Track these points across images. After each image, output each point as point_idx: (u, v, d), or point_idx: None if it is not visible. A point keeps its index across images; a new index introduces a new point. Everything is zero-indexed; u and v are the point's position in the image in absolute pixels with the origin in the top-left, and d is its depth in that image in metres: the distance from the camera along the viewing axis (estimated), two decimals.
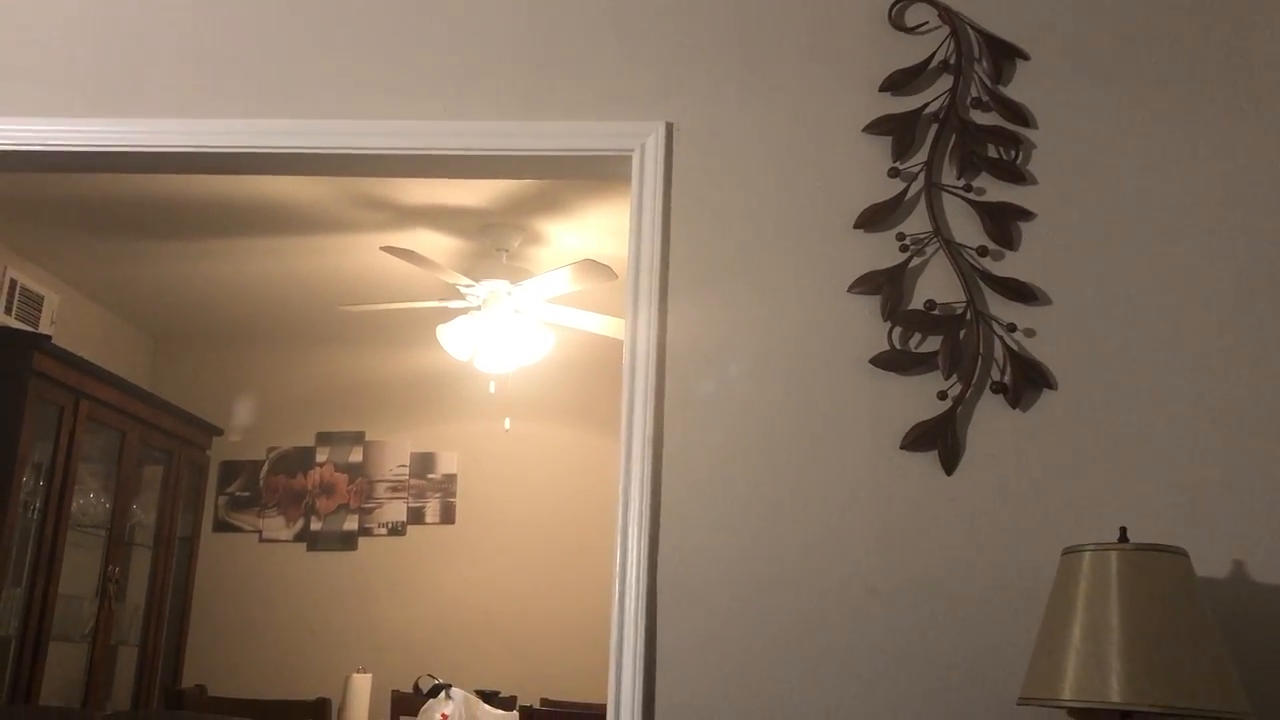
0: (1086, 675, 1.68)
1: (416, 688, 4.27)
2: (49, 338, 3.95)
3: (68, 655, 4.11)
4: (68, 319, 4.65)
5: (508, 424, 4.94)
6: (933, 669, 2.02)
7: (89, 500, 4.21)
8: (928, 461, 2.11)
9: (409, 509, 5.35)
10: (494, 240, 4.15)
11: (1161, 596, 1.71)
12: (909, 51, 2.30)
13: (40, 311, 4.45)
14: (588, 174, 2.50)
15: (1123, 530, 1.82)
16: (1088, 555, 1.77)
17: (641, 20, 2.38)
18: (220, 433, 5.23)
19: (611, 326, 4.27)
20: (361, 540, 5.32)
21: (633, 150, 2.30)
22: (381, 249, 3.93)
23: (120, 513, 4.34)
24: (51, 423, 3.89)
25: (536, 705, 3.97)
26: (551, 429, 5.35)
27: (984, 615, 2.04)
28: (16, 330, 4.16)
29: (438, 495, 5.35)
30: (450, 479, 5.37)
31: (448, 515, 5.33)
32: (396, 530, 5.33)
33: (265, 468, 5.41)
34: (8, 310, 4.25)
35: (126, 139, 2.38)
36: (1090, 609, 1.72)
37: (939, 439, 2.10)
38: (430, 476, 5.38)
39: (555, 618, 5.11)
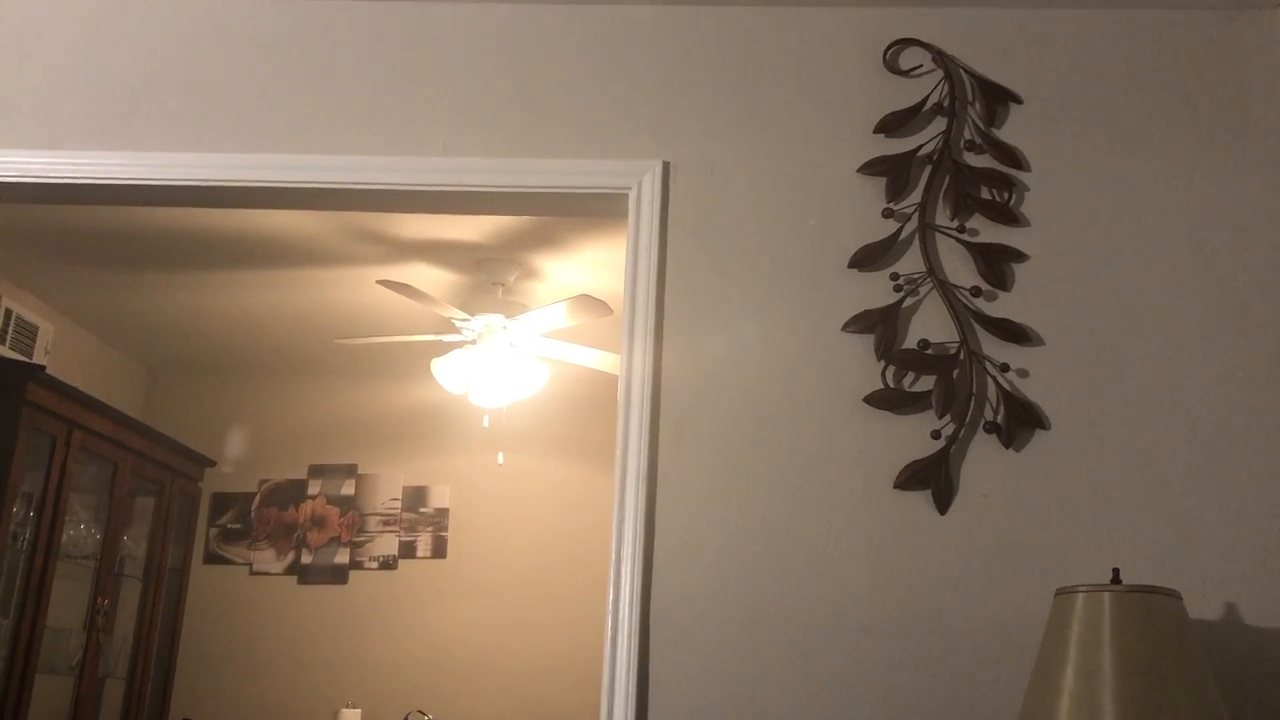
0: (1079, 718, 1.68)
1: None
2: (43, 368, 3.94)
3: (54, 688, 4.07)
4: (62, 349, 4.64)
5: (501, 458, 4.93)
6: (925, 709, 2.02)
7: (79, 531, 4.18)
8: (921, 501, 2.11)
9: (401, 543, 5.33)
10: (490, 275, 4.17)
11: (1155, 638, 1.71)
12: (903, 94, 2.32)
13: (35, 341, 4.44)
14: (585, 211, 2.52)
15: (1115, 571, 1.83)
16: (1081, 596, 1.77)
17: (639, 60, 2.40)
18: (213, 464, 5.21)
19: (606, 362, 4.27)
20: (353, 574, 5.29)
21: (630, 188, 2.32)
22: (378, 283, 3.94)
23: (111, 544, 4.31)
24: (44, 453, 3.88)
25: None
26: (545, 464, 5.34)
27: (977, 655, 2.03)
28: (11, 360, 4.16)
29: (430, 529, 5.33)
30: (443, 513, 5.35)
31: (439, 550, 5.31)
32: (388, 564, 5.30)
33: (257, 500, 5.39)
34: (2, 340, 4.25)
35: (126, 172, 2.40)
36: (1083, 651, 1.72)
37: (933, 478, 2.11)
38: (422, 510, 5.36)
39: (547, 654, 5.08)
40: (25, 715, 3.78)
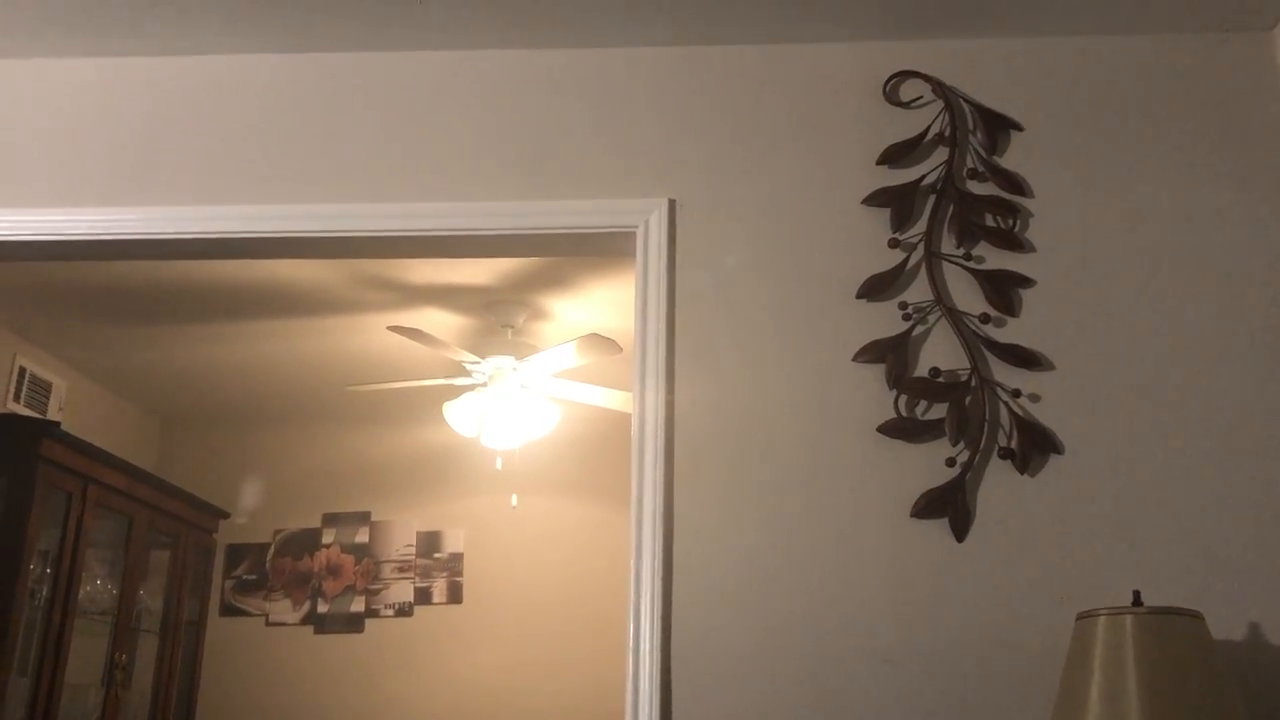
0: None
1: None
2: (58, 424, 3.96)
3: None
4: (75, 404, 4.67)
5: (514, 500, 4.93)
6: None
7: (96, 586, 4.18)
8: (938, 529, 2.11)
9: (416, 589, 5.31)
10: (499, 317, 4.19)
11: (1178, 660, 1.71)
12: (905, 125, 2.35)
13: (48, 398, 4.47)
14: (592, 251, 2.54)
15: (1136, 594, 1.82)
16: (1102, 620, 1.77)
17: (642, 100, 2.43)
18: (227, 516, 5.21)
19: (617, 400, 4.28)
20: (369, 622, 5.28)
21: (636, 226, 2.34)
22: (388, 328, 3.96)
23: (127, 598, 4.31)
24: (60, 509, 3.89)
25: None
26: (559, 504, 5.33)
27: (999, 682, 2.02)
28: (25, 417, 4.18)
29: (444, 575, 5.32)
30: (457, 558, 5.34)
31: (455, 595, 5.30)
32: (404, 611, 5.29)
33: (272, 550, 5.39)
34: (16, 398, 4.28)
35: (138, 227, 2.43)
36: (1107, 674, 1.72)
37: (949, 506, 2.11)
38: (437, 556, 5.35)
39: (566, 696, 5.05)
40: None
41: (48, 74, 2.53)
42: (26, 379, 4.35)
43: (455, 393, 4.29)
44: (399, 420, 5.36)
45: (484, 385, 4.21)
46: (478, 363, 4.14)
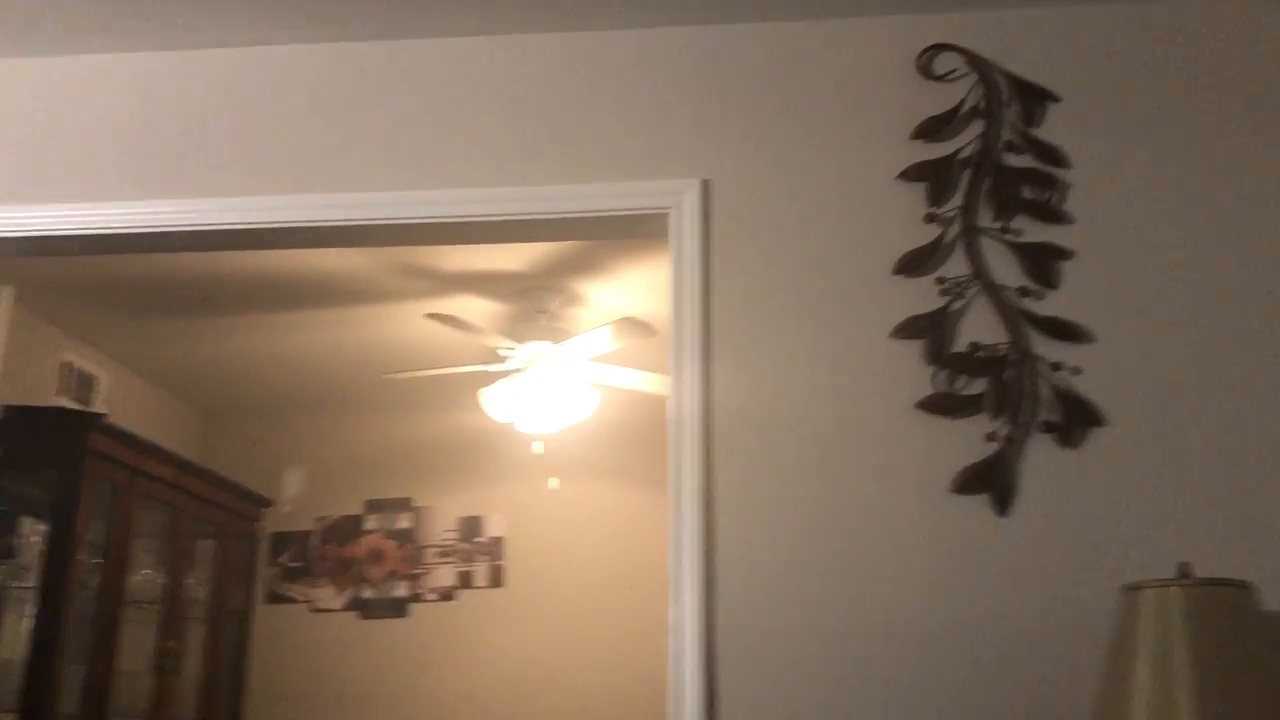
0: (1156, 714, 1.65)
1: None
2: (104, 416, 4.02)
3: None
4: (119, 397, 4.73)
5: (554, 484, 4.95)
6: (994, 714, 2.00)
7: (144, 576, 4.25)
8: (980, 504, 2.10)
9: (458, 574, 5.35)
10: (534, 303, 4.20)
11: (1228, 631, 1.69)
12: (939, 99, 2.32)
13: (94, 391, 4.53)
14: (626, 234, 2.54)
15: (1183, 565, 1.80)
16: (1149, 592, 1.75)
17: (674, 81, 2.42)
18: (270, 504, 5.27)
19: (653, 383, 4.29)
20: (412, 607, 5.32)
21: (670, 208, 2.34)
22: (425, 315, 3.98)
23: (175, 587, 4.37)
24: (107, 500, 3.94)
25: None
26: (597, 487, 5.35)
27: (1044, 657, 2.01)
28: (73, 410, 4.25)
29: (486, 559, 5.36)
30: (498, 542, 5.38)
31: (497, 579, 5.33)
32: (447, 595, 5.33)
33: (315, 537, 5.45)
34: (63, 391, 4.34)
35: (178, 219, 2.46)
36: (1155, 647, 1.70)
37: (990, 481, 2.10)
38: (478, 540, 5.39)
39: (609, 676, 5.07)
40: None
41: (85, 70, 2.56)
42: (73, 373, 4.41)
43: (492, 379, 4.31)
44: (437, 407, 5.39)
45: (520, 371, 4.22)
46: (513, 348, 4.15)
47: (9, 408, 3.71)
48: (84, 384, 4.48)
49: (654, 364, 4.28)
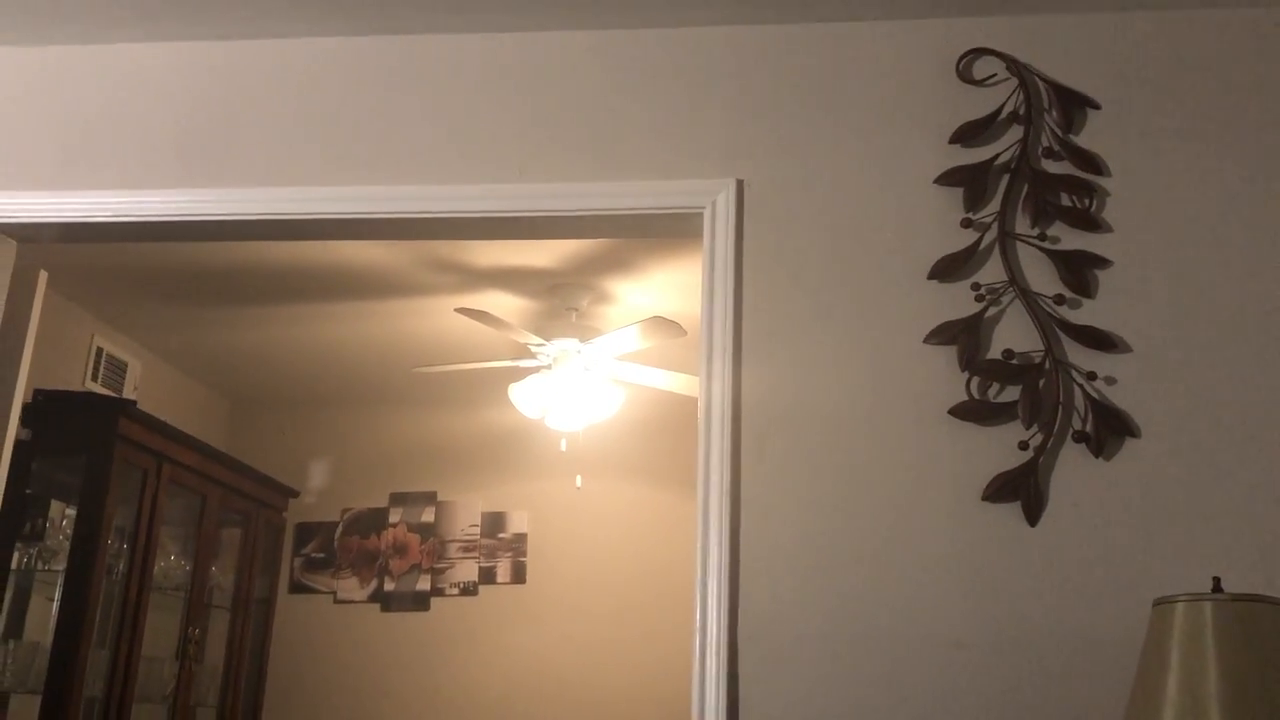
0: None
1: None
2: (134, 403, 4.05)
3: (150, 717, 4.16)
4: (149, 385, 4.76)
5: (579, 482, 4.95)
6: None
7: (170, 563, 4.28)
8: (1011, 512, 2.08)
9: (480, 569, 5.36)
10: (563, 300, 4.20)
11: (1261, 648, 1.67)
12: (978, 103, 2.31)
13: (124, 378, 4.57)
14: (660, 232, 2.53)
15: (1216, 580, 1.78)
16: (1181, 606, 1.73)
17: (710, 80, 2.42)
18: (296, 495, 5.30)
19: (680, 383, 4.28)
20: (434, 600, 5.34)
21: (704, 207, 2.33)
22: (455, 310, 3.99)
23: (200, 575, 4.40)
24: (135, 486, 3.98)
25: None
26: (622, 486, 5.35)
27: (1072, 669, 2.00)
28: (104, 396, 4.28)
29: (509, 555, 5.37)
30: (521, 538, 5.38)
31: (519, 575, 5.34)
32: (469, 590, 5.34)
33: (339, 529, 5.47)
34: (94, 377, 4.38)
35: (209, 208, 2.47)
36: (1186, 662, 1.68)
37: (1021, 489, 2.08)
38: (501, 536, 5.40)
39: (629, 675, 5.07)
40: None
41: (119, 59, 2.58)
42: (104, 359, 4.45)
43: (520, 375, 4.31)
44: (465, 402, 5.40)
45: (548, 368, 4.22)
46: (542, 345, 4.15)
47: (40, 392, 3.74)
48: (114, 370, 4.52)
49: (681, 364, 4.27)
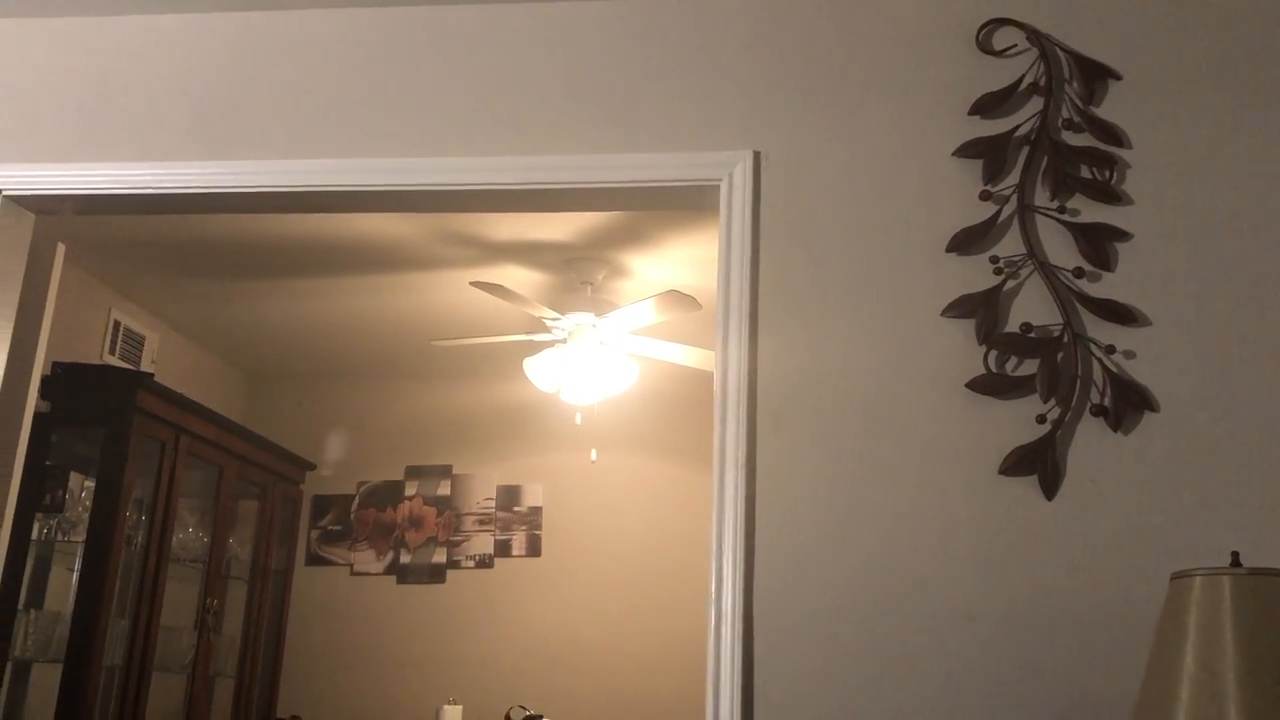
0: (1202, 704, 1.63)
1: (509, 719, 4.29)
2: (152, 375, 4.07)
3: (169, 686, 4.20)
4: (166, 357, 4.79)
5: (594, 456, 4.96)
6: (1035, 698, 1.98)
7: (187, 534, 4.31)
8: (1028, 486, 2.08)
9: (496, 542, 5.39)
10: (579, 274, 4.19)
11: (1277, 621, 1.66)
12: (998, 74, 2.29)
13: (141, 351, 4.59)
14: (676, 204, 2.52)
15: (1235, 555, 1.77)
16: (1199, 580, 1.72)
17: (727, 50, 2.40)
18: (313, 467, 5.32)
19: (696, 358, 4.28)
20: (450, 573, 5.37)
21: (720, 179, 2.32)
22: (471, 284, 3.99)
23: (217, 546, 4.44)
24: (154, 458, 4.01)
25: None
26: (637, 460, 5.36)
27: (1089, 642, 1.99)
28: (122, 369, 4.31)
29: (524, 528, 5.39)
30: (536, 511, 5.40)
31: (534, 548, 5.36)
32: (484, 563, 5.37)
33: (356, 501, 5.50)
34: (112, 350, 4.40)
35: (226, 180, 2.47)
36: (1203, 636, 1.68)
37: (1039, 463, 2.07)
38: (516, 509, 5.42)
39: (644, 647, 5.10)
40: (145, 711, 3.91)
41: (137, 31, 2.57)
42: (121, 332, 4.47)
43: (535, 348, 4.32)
44: (480, 375, 5.42)
45: (564, 341, 4.23)
46: (558, 319, 4.16)
47: (59, 365, 3.77)
48: (132, 343, 4.54)
49: (696, 338, 4.27)
